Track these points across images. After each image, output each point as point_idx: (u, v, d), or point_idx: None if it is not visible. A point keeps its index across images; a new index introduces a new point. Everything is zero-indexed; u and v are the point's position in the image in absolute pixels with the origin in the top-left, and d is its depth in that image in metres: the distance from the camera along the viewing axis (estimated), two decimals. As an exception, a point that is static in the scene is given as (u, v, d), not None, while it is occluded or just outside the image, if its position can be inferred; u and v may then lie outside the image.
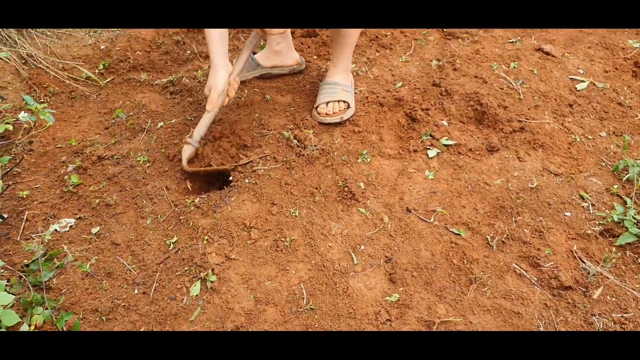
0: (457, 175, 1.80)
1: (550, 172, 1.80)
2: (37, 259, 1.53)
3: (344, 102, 2.00)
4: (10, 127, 1.94)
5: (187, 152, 1.83)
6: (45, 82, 2.28)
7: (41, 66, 2.29)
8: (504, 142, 1.91)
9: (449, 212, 1.68)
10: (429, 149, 1.89)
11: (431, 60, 2.41)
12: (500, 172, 1.80)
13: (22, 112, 1.76)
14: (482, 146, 1.89)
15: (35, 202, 1.75)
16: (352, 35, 1.98)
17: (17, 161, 1.82)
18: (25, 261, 1.54)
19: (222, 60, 1.81)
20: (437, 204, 1.71)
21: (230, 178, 1.81)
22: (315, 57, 2.48)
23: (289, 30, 2.23)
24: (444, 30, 2.66)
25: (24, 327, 1.35)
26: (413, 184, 1.77)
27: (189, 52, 2.51)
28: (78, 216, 1.70)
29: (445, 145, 1.89)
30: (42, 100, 2.24)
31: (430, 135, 1.93)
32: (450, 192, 1.75)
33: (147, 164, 1.88)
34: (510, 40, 2.52)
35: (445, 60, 2.38)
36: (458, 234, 1.62)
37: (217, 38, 1.77)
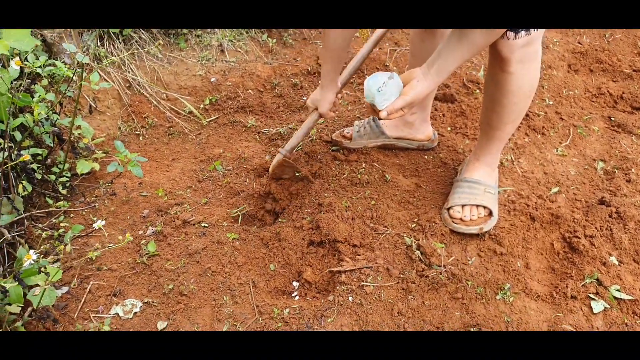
0: (629, 347, 1.33)
1: None
2: (89, 355, 1.26)
3: (485, 208, 1.59)
4: (97, 166, 1.72)
5: (276, 159, 1.73)
6: (145, 111, 2.06)
7: (144, 93, 2.08)
8: (699, 307, 1.41)
9: (617, 408, 1.22)
10: (594, 299, 1.43)
11: (595, 160, 1.94)
12: (693, 357, 1.31)
13: (112, 163, 1.51)
14: (668, 309, 1.41)
15: (104, 269, 1.50)
16: (508, 128, 1.57)
17: (91, 227, 1.58)
18: (75, 355, 1.28)
19: (330, 80, 1.62)
20: (600, 388, 1.25)
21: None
22: (449, 128, 2.08)
23: (430, 100, 1.85)
24: (612, 118, 2.16)
25: None
26: (567, 348, 1.33)
27: (305, 98, 2.20)
28: (146, 300, 1.42)
29: (615, 299, 1.43)
30: (137, 132, 2.01)
31: (596, 279, 1.47)
32: (619, 372, 1.29)
33: (237, 243, 1.57)
34: (702, 148, 1.99)
35: (614, 164, 1.89)
36: None
37: (330, 55, 1.57)
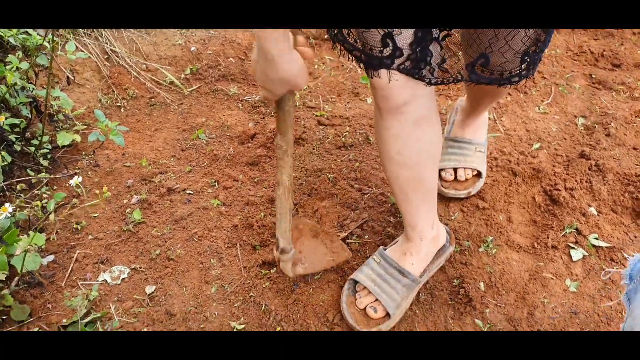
0: (607, 292, 1.37)
1: None
2: (77, 321, 1.27)
3: (475, 170, 1.58)
4: (78, 138, 1.71)
5: (286, 267, 1.25)
6: (125, 83, 2.04)
7: (124, 64, 2.05)
8: (675, 253, 1.45)
9: (597, 349, 1.26)
10: (573, 247, 1.46)
11: (576, 117, 1.95)
12: (669, 299, 1.35)
13: (93, 133, 1.50)
14: (646, 255, 1.44)
15: (90, 238, 1.50)
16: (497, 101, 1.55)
17: (75, 197, 1.55)
18: (65, 321, 1.29)
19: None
20: (578, 329, 1.29)
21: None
22: (431, 90, 2.08)
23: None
24: (592, 76, 2.17)
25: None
26: (548, 295, 1.36)
27: (286, 65, 2.19)
28: (133, 266, 1.43)
29: (594, 246, 1.46)
30: (118, 104, 1.99)
31: (575, 229, 1.50)
32: (597, 316, 1.33)
33: (222, 208, 1.58)
34: (680, 102, 2.01)
35: (594, 120, 1.91)
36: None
37: None
